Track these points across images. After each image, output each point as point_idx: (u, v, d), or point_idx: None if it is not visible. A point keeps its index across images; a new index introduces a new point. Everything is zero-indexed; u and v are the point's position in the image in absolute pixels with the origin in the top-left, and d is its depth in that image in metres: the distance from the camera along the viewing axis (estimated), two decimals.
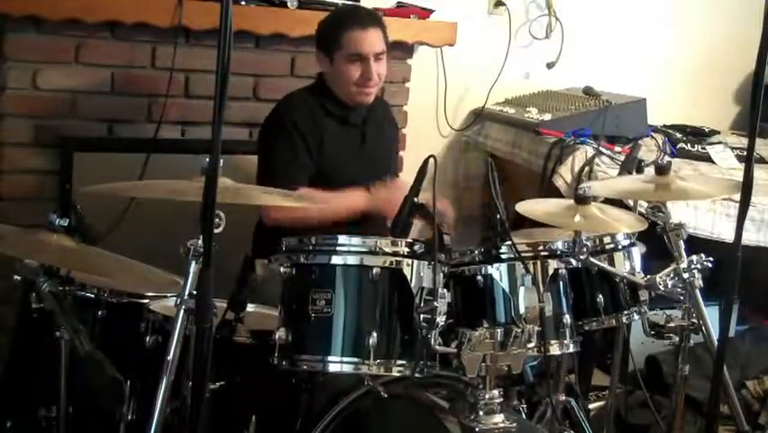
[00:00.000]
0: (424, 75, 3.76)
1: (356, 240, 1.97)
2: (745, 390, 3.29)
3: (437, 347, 1.94)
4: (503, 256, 2.12)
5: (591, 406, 3.04)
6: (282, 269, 1.98)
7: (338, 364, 1.93)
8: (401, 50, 3.61)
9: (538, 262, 2.14)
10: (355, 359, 1.92)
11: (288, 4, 3.27)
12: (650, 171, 2.52)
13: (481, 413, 1.98)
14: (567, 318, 2.13)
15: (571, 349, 2.15)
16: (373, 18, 2.86)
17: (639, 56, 4.17)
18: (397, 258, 1.95)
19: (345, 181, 2.81)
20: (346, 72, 2.80)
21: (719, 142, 3.71)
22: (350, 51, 2.78)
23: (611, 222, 2.22)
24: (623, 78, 4.01)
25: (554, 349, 2.11)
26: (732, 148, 3.65)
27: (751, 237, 3.11)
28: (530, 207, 2.26)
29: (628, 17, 4.14)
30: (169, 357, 1.79)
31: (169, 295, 2.19)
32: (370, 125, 2.96)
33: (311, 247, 1.98)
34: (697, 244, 2.53)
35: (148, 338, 2.16)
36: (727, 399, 2.39)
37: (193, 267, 1.80)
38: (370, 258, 1.94)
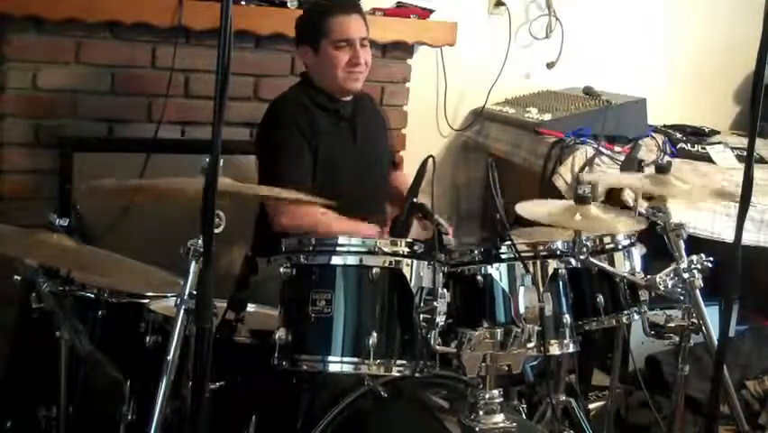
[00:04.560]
0: (424, 75, 3.76)
1: (356, 240, 1.97)
2: (744, 390, 3.29)
3: (437, 347, 1.94)
4: (503, 256, 2.12)
5: (591, 406, 3.04)
6: (282, 269, 1.98)
7: (338, 365, 1.93)
8: (401, 50, 3.61)
9: (538, 262, 2.14)
10: (355, 359, 1.92)
11: (288, 4, 3.27)
12: (650, 171, 2.52)
13: (481, 413, 1.98)
14: (567, 318, 2.13)
15: (571, 349, 2.15)
16: (354, 4, 2.90)
17: (639, 56, 4.17)
18: (397, 258, 1.95)
19: (340, 175, 2.81)
20: (334, 58, 2.80)
21: (719, 143, 3.71)
22: (337, 37, 2.80)
23: (611, 222, 2.22)
24: (623, 78, 4.01)
25: (554, 349, 2.11)
26: (732, 148, 3.65)
27: (751, 237, 3.11)
28: (530, 208, 2.26)
29: (628, 17, 4.14)
30: (169, 357, 1.79)
31: (169, 295, 2.19)
32: (360, 119, 2.96)
33: (311, 248, 1.98)
34: (697, 244, 2.53)
35: (148, 338, 2.16)
36: (727, 399, 2.39)
37: (193, 267, 1.80)
38: (370, 258, 1.94)
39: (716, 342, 1.97)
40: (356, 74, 2.83)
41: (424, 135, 3.77)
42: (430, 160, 2.07)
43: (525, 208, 2.25)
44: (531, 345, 2.01)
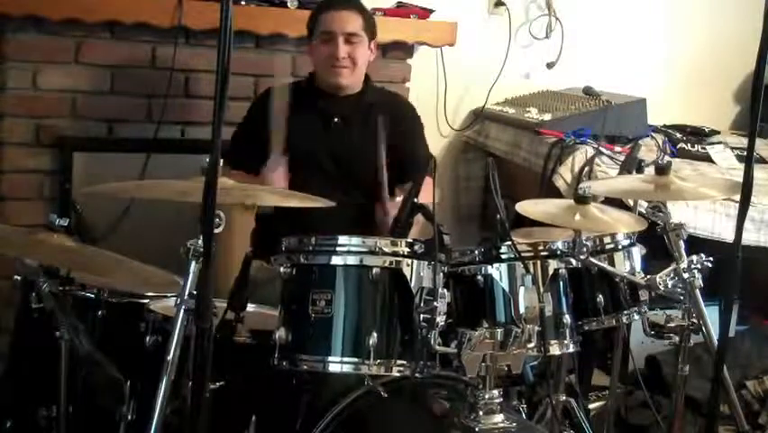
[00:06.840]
0: (424, 75, 3.76)
1: (356, 240, 1.97)
2: (744, 390, 3.29)
3: (437, 347, 1.94)
4: (503, 256, 2.12)
5: (591, 406, 3.04)
6: (282, 269, 1.98)
7: (338, 365, 1.93)
8: (401, 50, 3.61)
9: (538, 262, 2.14)
10: (355, 359, 1.92)
11: (288, 4, 3.28)
12: (650, 171, 2.52)
13: (481, 413, 1.98)
14: (567, 318, 2.12)
15: (571, 349, 2.15)
16: (348, 1, 2.88)
17: (639, 56, 4.17)
18: (397, 258, 1.95)
19: (312, 173, 2.80)
20: (317, 52, 2.86)
21: (719, 142, 3.71)
22: (321, 30, 2.83)
23: (611, 222, 2.22)
24: (623, 78, 4.01)
25: (554, 349, 2.11)
26: (732, 148, 3.65)
27: (751, 237, 3.11)
28: (530, 208, 2.26)
29: (628, 17, 4.14)
30: (169, 357, 1.79)
31: (169, 295, 2.19)
32: (356, 120, 2.91)
33: (311, 247, 1.98)
34: (697, 244, 2.53)
35: (148, 338, 2.16)
36: (727, 399, 2.39)
37: (193, 267, 1.80)
38: (370, 258, 1.94)
39: (716, 342, 1.97)
40: (337, 68, 2.83)
41: None
42: (431, 160, 2.06)
43: (525, 208, 2.25)
44: (531, 345, 2.01)
